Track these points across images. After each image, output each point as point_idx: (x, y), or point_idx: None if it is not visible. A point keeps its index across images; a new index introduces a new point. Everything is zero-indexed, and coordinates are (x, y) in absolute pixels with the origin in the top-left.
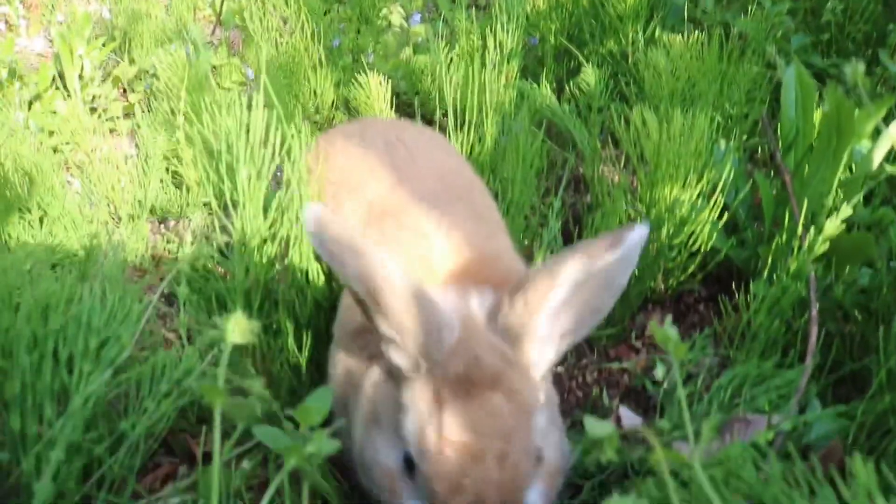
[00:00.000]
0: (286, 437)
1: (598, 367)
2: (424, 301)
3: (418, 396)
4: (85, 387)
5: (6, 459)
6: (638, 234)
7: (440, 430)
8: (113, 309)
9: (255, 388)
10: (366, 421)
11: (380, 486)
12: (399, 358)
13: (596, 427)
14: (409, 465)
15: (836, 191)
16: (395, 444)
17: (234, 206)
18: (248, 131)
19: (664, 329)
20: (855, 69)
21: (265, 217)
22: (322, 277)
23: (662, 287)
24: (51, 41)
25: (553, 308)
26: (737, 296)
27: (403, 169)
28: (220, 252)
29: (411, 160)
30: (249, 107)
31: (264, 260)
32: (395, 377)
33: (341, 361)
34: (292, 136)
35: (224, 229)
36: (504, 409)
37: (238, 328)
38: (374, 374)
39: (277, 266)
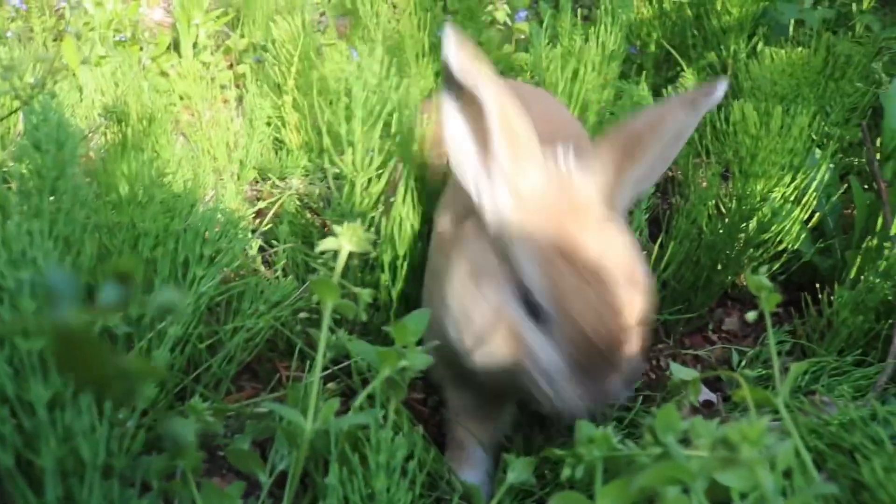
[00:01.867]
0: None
1: (673, 352)
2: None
3: (532, 234)
4: (197, 287)
5: (125, 333)
6: (719, 90)
7: (573, 263)
8: (226, 225)
9: (363, 296)
10: (465, 281)
11: (497, 345)
12: (502, 195)
13: (681, 371)
14: (534, 310)
15: None
16: (508, 293)
17: (350, 145)
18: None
19: (758, 277)
20: None
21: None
22: (420, 211)
23: (743, 284)
24: (168, 12)
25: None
26: (819, 297)
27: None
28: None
29: (527, 107)
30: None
31: (369, 198)
32: (493, 226)
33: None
34: (406, 86)
35: (333, 168)
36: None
37: (354, 235)
38: (468, 230)
39: (381, 205)
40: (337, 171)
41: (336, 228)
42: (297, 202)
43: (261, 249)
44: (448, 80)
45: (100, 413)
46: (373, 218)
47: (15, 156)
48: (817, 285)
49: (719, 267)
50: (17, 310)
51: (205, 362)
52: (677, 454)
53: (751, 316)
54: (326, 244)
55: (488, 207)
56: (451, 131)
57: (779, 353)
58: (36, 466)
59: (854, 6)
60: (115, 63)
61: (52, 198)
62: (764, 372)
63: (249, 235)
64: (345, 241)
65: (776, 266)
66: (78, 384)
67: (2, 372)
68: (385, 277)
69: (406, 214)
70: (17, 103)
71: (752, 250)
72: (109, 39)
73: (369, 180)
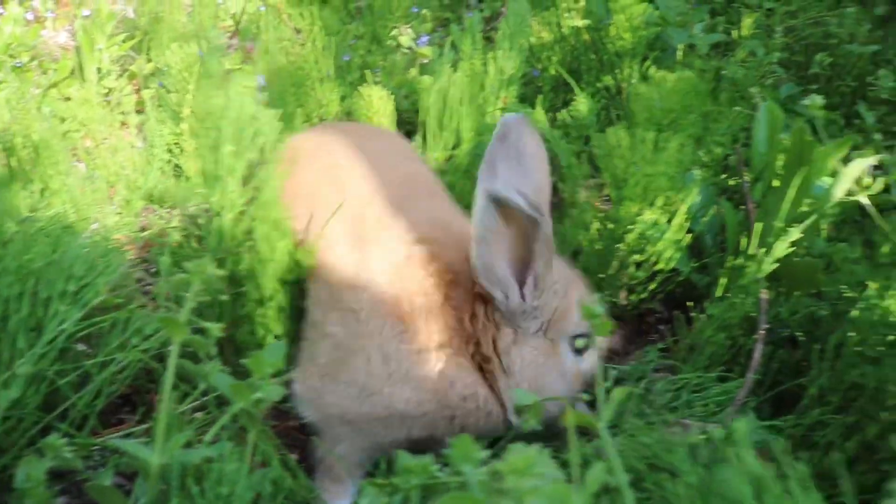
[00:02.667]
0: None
1: None
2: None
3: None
4: (58, 324)
5: None
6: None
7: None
8: (93, 260)
9: (213, 331)
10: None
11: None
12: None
13: (523, 396)
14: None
15: (787, 219)
16: (565, 358)
17: (216, 179)
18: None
19: (590, 306)
20: (813, 102)
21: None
22: (284, 255)
23: (625, 303)
24: (74, 36)
25: None
26: (693, 314)
27: (375, 176)
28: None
29: (381, 164)
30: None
31: (236, 232)
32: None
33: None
34: (279, 119)
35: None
36: None
37: (203, 272)
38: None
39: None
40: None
41: (186, 265)
42: (184, 232)
43: (144, 284)
44: (496, 202)
45: None
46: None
47: None
48: (689, 303)
49: (598, 286)
50: None
51: (70, 398)
52: (472, 483)
53: (579, 343)
54: (174, 281)
55: (521, 305)
56: (489, 243)
57: (654, 370)
58: None
59: (735, 33)
60: (10, 89)
61: None
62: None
63: (124, 267)
64: (193, 278)
65: (652, 285)
66: None
67: None
68: (256, 313)
69: (267, 256)
70: None
71: (632, 269)
72: (7, 64)
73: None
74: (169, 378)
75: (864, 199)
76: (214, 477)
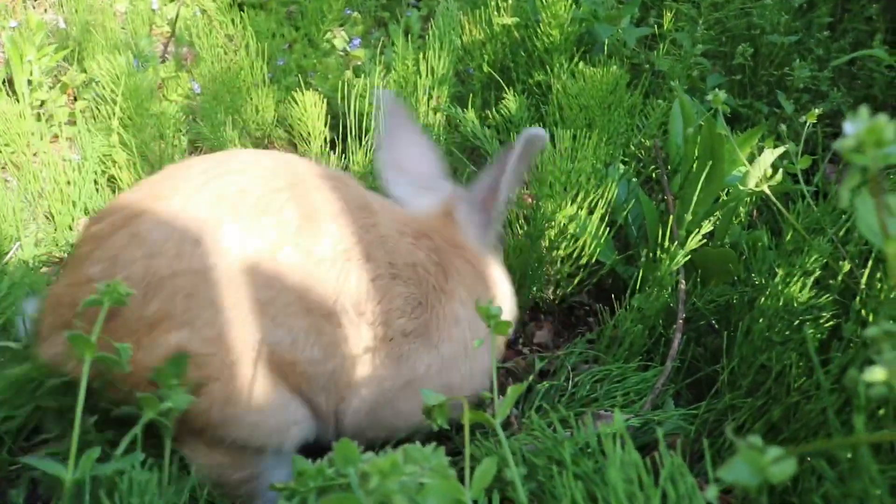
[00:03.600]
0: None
1: None
2: None
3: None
4: None
5: None
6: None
7: None
8: (12, 287)
9: (124, 350)
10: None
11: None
12: None
13: (430, 397)
14: None
15: (696, 210)
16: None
17: None
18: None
19: (485, 306)
20: (716, 96)
21: None
22: None
23: (552, 297)
24: (3, 47)
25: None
26: (616, 306)
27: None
28: None
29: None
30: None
31: None
32: None
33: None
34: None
35: None
36: None
37: (114, 292)
38: None
39: None
40: None
41: (98, 286)
42: None
43: None
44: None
45: None
46: None
47: None
48: (615, 296)
49: (521, 282)
50: None
51: None
52: (354, 484)
53: (476, 343)
54: (90, 301)
55: None
56: None
57: (583, 362)
58: None
59: (656, 28)
60: None
61: None
62: (551, 384)
63: (44, 282)
64: (105, 298)
65: (578, 279)
66: None
67: None
68: None
69: None
70: None
71: (557, 264)
72: None
73: None
74: (81, 393)
75: (766, 189)
76: (125, 488)
